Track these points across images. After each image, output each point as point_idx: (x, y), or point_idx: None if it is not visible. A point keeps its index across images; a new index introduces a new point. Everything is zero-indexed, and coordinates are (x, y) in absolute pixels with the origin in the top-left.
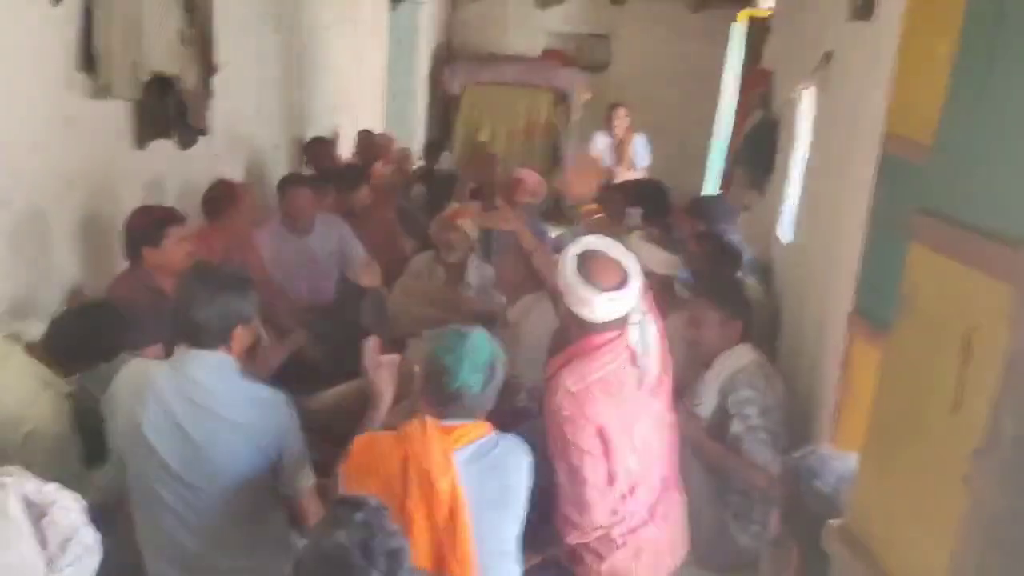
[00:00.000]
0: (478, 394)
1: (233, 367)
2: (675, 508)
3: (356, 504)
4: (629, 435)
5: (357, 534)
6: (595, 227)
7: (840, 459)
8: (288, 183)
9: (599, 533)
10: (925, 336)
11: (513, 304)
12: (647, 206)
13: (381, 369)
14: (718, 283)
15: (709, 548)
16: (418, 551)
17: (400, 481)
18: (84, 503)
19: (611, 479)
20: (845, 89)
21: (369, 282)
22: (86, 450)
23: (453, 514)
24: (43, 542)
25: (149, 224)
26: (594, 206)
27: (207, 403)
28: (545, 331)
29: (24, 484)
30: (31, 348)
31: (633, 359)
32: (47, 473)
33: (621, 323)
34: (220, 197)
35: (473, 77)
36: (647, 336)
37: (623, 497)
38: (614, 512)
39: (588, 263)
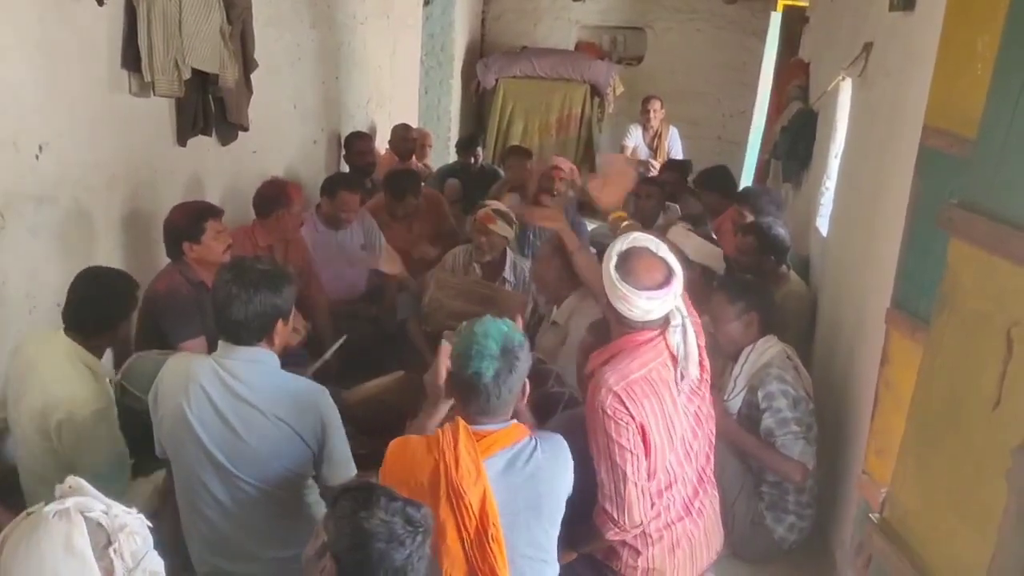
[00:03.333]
0: (492, 381)
1: (274, 362)
2: (711, 503)
3: (375, 490)
4: (670, 433)
5: (380, 518)
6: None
7: None
8: (340, 185)
9: (638, 531)
10: (965, 332)
11: (553, 304)
12: (720, 189)
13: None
14: (731, 276)
15: (744, 540)
16: (451, 561)
17: (431, 492)
18: (149, 524)
19: (650, 476)
20: (885, 81)
21: (390, 270)
22: (135, 442)
23: (483, 526)
24: (108, 571)
25: (188, 219)
26: (622, 213)
27: (249, 398)
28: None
29: (92, 506)
30: (70, 333)
31: (674, 362)
32: (90, 454)
33: (662, 322)
34: (272, 196)
35: (506, 71)
36: (688, 340)
37: (660, 492)
38: (651, 507)
39: (630, 261)
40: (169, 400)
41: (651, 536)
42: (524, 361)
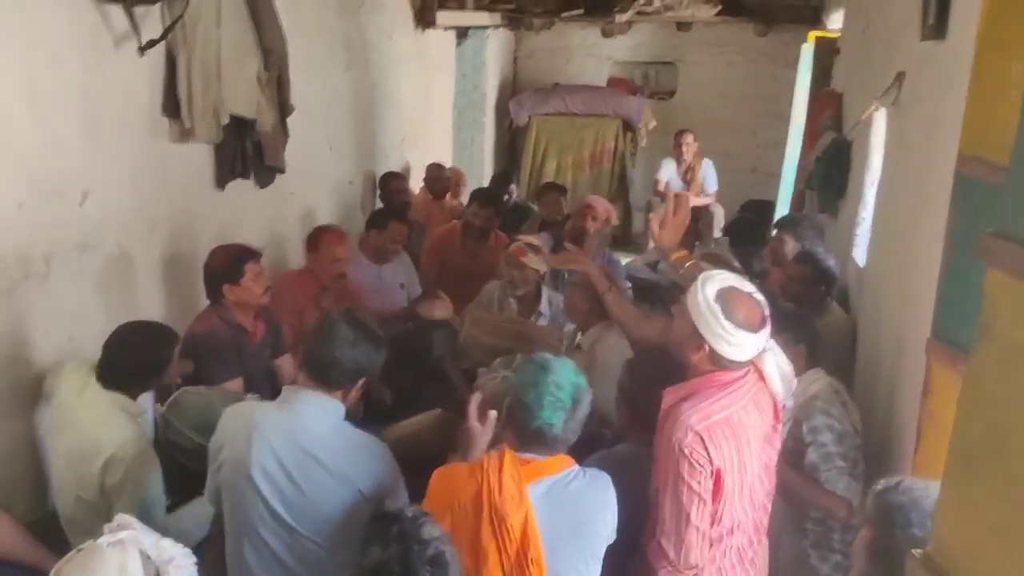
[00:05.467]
0: (560, 432)
1: (341, 412)
2: (763, 553)
3: (391, 518)
4: (742, 480)
5: (395, 547)
6: (691, 272)
7: (928, 495)
8: (391, 216)
9: (692, 574)
10: (1005, 363)
11: (581, 330)
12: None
13: (481, 426)
14: (774, 307)
15: None
16: None
17: (473, 515)
18: (194, 558)
19: (714, 521)
20: (918, 109)
21: (441, 316)
22: (171, 482)
23: (524, 550)
24: None
25: (227, 261)
26: (684, 252)
27: (315, 450)
28: (616, 359)
29: (142, 539)
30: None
31: (764, 383)
32: (131, 495)
33: (742, 366)
34: (309, 239)
35: (539, 108)
36: (781, 362)
37: (720, 538)
38: (709, 548)
39: (732, 301)
40: (230, 448)
41: None
42: (587, 406)
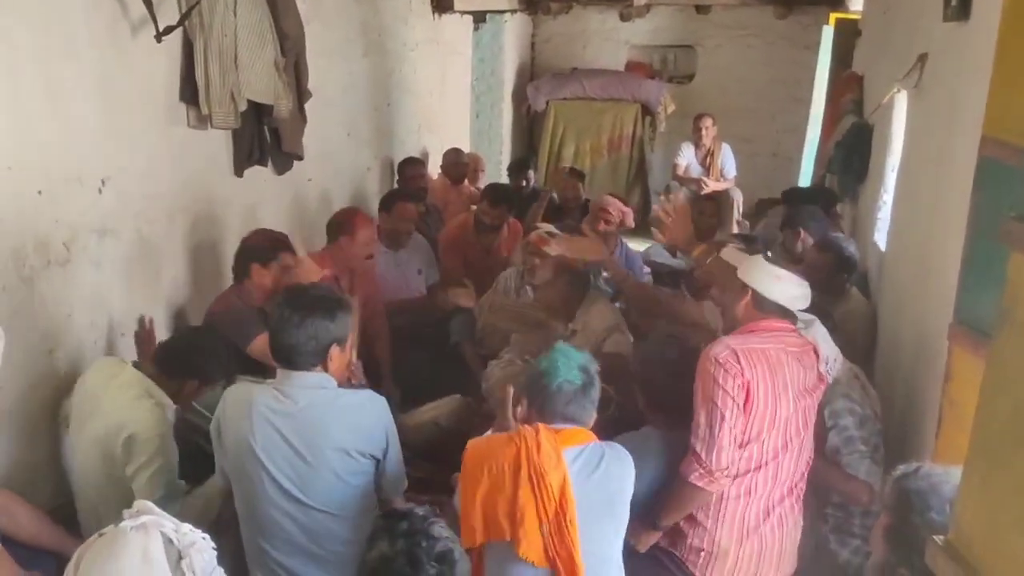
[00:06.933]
0: (578, 392)
1: (332, 386)
2: (794, 523)
3: (400, 515)
4: (775, 410)
5: (402, 542)
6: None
7: (948, 480)
8: (396, 197)
9: (722, 477)
10: None
11: (570, 320)
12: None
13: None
14: None
15: (808, 563)
16: (529, 543)
17: (512, 477)
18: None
19: (744, 442)
20: (941, 92)
21: (466, 303)
22: (189, 463)
23: (563, 508)
24: None
25: (266, 243)
26: (703, 247)
27: (310, 422)
28: (602, 327)
29: (163, 524)
30: (139, 365)
31: (810, 347)
32: (148, 477)
33: (792, 318)
34: (337, 222)
35: (557, 93)
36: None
37: (748, 471)
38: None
39: (772, 256)
40: (232, 430)
41: (724, 516)
42: (597, 385)
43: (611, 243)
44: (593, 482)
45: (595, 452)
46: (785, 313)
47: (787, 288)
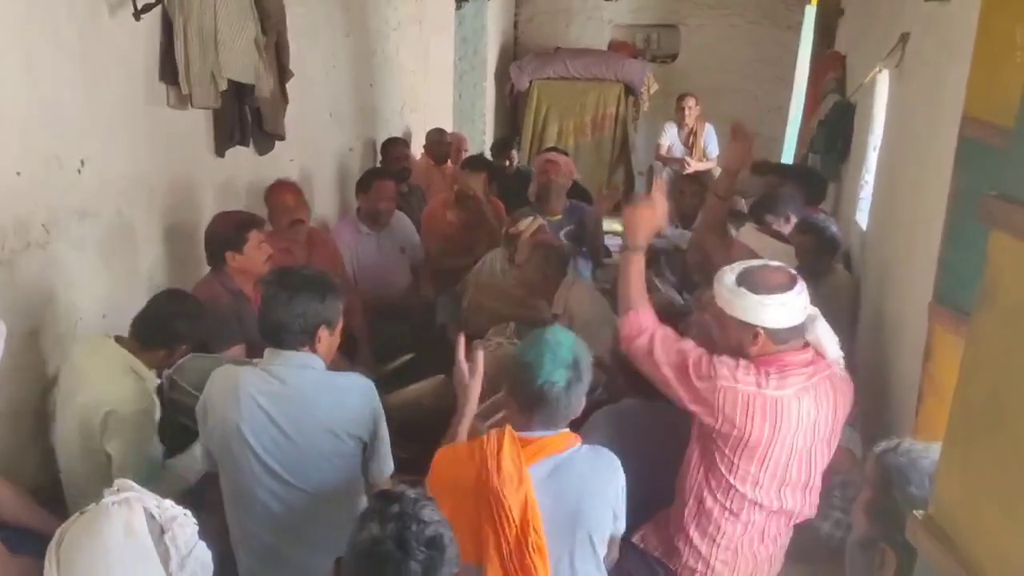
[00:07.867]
0: (563, 392)
1: (320, 366)
2: (787, 535)
3: (392, 498)
4: (774, 455)
5: (392, 525)
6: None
7: (928, 456)
8: (373, 176)
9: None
10: (1007, 326)
11: (551, 301)
12: (809, 190)
13: (471, 378)
14: None
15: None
16: (495, 570)
17: (473, 498)
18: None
19: (754, 480)
20: (922, 71)
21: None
22: (172, 441)
23: (523, 535)
24: (164, 558)
25: (231, 229)
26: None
27: (298, 402)
28: (587, 307)
29: (145, 500)
30: (122, 340)
31: (832, 371)
32: (130, 453)
33: (801, 334)
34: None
35: (540, 72)
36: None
37: (736, 514)
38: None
39: (751, 276)
40: (218, 411)
41: (720, 542)
42: (589, 373)
43: (560, 201)
44: (564, 491)
45: (569, 461)
46: (790, 333)
47: (790, 309)
